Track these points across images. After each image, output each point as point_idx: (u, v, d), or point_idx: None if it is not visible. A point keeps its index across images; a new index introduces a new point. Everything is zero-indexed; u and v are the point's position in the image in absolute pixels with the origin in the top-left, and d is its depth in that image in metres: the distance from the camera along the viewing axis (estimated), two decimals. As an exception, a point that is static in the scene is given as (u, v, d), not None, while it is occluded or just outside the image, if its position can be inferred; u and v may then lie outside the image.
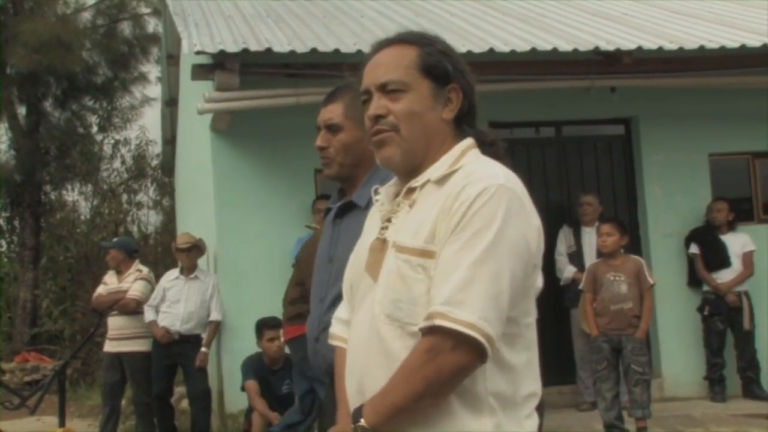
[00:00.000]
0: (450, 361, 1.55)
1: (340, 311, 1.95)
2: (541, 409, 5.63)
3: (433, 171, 1.74)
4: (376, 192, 1.89)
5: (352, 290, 1.86)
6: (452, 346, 1.55)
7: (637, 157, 7.60)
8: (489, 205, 1.61)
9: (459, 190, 1.65)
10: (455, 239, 1.61)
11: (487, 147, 1.83)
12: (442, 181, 1.72)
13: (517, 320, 1.66)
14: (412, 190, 1.76)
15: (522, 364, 1.68)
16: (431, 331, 1.57)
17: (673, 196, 7.43)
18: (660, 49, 6.54)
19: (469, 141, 1.80)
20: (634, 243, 7.47)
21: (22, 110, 13.64)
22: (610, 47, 6.55)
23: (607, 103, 6.94)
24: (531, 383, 1.71)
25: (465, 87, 1.80)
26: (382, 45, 1.84)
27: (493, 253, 1.59)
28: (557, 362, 7.23)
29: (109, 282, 7.18)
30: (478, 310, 1.55)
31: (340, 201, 2.53)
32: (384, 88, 1.77)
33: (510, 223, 1.62)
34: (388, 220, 1.78)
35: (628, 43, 6.65)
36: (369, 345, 1.71)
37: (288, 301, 4.60)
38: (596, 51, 6.53)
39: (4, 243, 15.62)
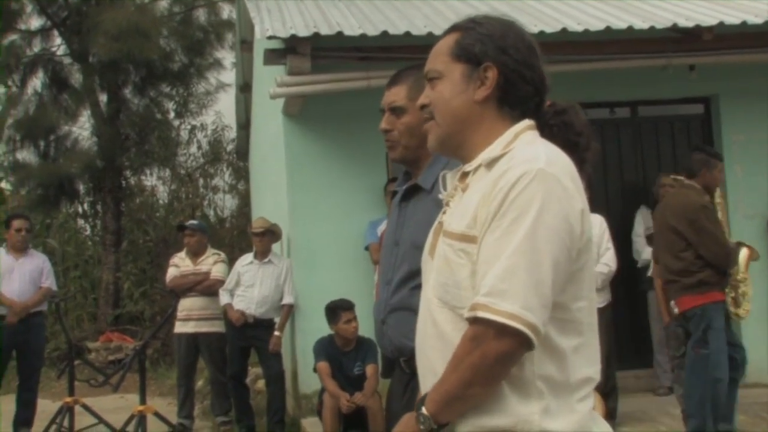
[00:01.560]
0: (494, 348, 1.56)
1: None
2: (615, 392, 5.54)
3: (485, 155, 1.73)
4: (444, 178, 1.90)
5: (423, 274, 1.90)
6: (495, 335, 1.56)
7: (717, 136, 7.35)
8: (527, 191, 1.59)
9: (499, 175, 1.64)
10: (496, 226, 1.60)
11: (548, 129, 1.81)
12: (491, 165, 1.70)
13: (566, 305, 1.65)
14: (465, 175, 1.78)
15: (572, 348, 1.66)
16: (476, 320, 1.59)
17: (756, 176, 7.17)
18: (743, 23, 6.29)
19: (524, 123, 1.77)
20: (714, 226, 7.25)
21: (103, 98, 14.03)
22: (689, 24, 6.33)
23: (686, 81, 6.72)
24: (584, 368, 1.69)
25: (505, 64, 1.75)
26: (441, 35, 1.88)
27: (533, 239, 1.57)
28: (633, 346, 7.11)
29: (182, 264, 7.35)
30: (520, 299, 1.55)
31: (406, 184, 2.53)
32: (427, 77, 1.83)
33: (549, 209, 1.59)
34: (447, 205, 1.81)
35: (709, 19, 6.42)
36: (425, 328, 1.76)
37: (675, 272, 5.03)
38: (674, 28, 6.33)
39: (87, 227, 16.20)
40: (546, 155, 1.65)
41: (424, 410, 1.64)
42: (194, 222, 8.06)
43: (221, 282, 7.08)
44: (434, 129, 1.82)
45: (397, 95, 2.46)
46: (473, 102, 1.76)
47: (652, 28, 6.25)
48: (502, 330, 1.55)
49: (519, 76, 1.76)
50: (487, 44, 1.76)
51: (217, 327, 7.15)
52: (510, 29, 1.82)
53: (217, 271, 7.19)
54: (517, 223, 1.57)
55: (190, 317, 7.20)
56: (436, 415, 1.63)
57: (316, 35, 5.98)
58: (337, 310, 5.88)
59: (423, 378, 1.78)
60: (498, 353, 1.56)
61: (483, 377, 1.58)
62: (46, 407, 7.53)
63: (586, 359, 1.70)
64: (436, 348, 1.70)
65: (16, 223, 7.22)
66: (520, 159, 1.64)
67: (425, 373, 1.76)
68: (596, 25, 6.25)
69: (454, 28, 1.85)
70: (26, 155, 13.79)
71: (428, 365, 1.74)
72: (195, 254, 7.35)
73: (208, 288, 7.13)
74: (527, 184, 1.59)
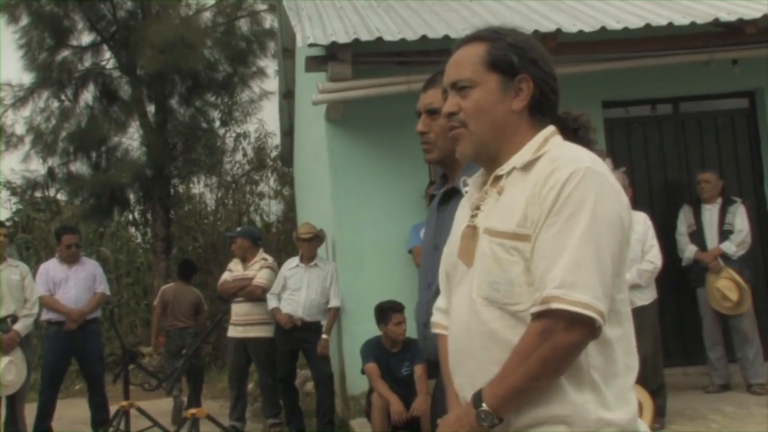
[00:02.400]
0: (564, 340, 1.62)
1: (439, 301, 2.04)
2: (663, 389, 5.47)
3: (518, 158, 1.81)
4: (465, 183, 1.97)
5: (448, 278, 1.95)
6: (565, 326, 1.62)
7: (764, 130, 7.26)
8: (580, 188, 1.67)
9: (547, 175, 1.71)
10: (551, 222, 1.67)
11: (570, 133, 1.89)
12: (527, 167, 1.78)
13: (612, 296, 1.71)
14: (498, 178, 1.83)
15: (616, 338, 1.73)
16: (543, 313, 1.63)
17: (804, 170, 7.08)
18: (788, 15, 6.22)
19: (551, 128, 1.86)
20: (762, 220, 7.17)
21: (151, 109, 14.33)
22: (732, 18, 6.28)
23: (729, 76, 6.66)
24: (626, 357, 1.77)
25: (538, 76, 1.84)
26: (458, 44, 1.93)
27: (593, 233, 1.64)
28: (681, 343, 7.05)
29: (234, 269, 7.50)
30: (590, 289, 1.62)
31: (443, 187, 2.56)
32: (455, 86, 1.86)
33: (602, 203, 1.67)
34: (477, 208, 1.86)
35: (752, 12, 6.35)
36: (469, 328, 1.78)
37: None
38: (716, 23, 6.28)
39: (138, 235, 16.57)
40: (588, 155, 1.74)
41: (485, 406, 1.68)
42: (239, 229, 8.20)
43: (262, 288, 7.18)
44: (467, 137, 1.85)
45: (433, 97, 2.47)
46: (510, 111, 1.83)
47: (693, 24, 6.20)
48: (572, 321, 1.61)
49: (548, 86, 1.86)
50: (521, 56, 1.83)
51: (264, 332, 7.24)
52: (533, 41, 1.91)
53: (260, 277, 7.27)
54: (575, 218, 1.65)
55: (238, 322, 7.35)
56: (499, 410, 1.67)
57: (356, 41, 6.06)
58: (388, 311, 5.93)
59: (466, 378, 1.80)
60: (568, 344, 1.63)
61: (552, 369, 1.64)
62: (102, 411, 7.73)
63: (627, 349, 1.77)
64: (484, 347, 1.74)
65: (66, 239, 7.45)
66: (565, 159, 1.72)
67: (470, 373, 1.79)
68: (636, 23, 6.23)
69: (477, 38, 1.89)
70: (79, 166, 14.17)
71: (474, 365, 1.77)
72: (243, 259, 7.50)
73: (249, 294, 7.23)
74: (579, 181, 1.67)
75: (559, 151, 1.77)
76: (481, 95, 1.83)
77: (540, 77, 1.85)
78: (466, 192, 1.96)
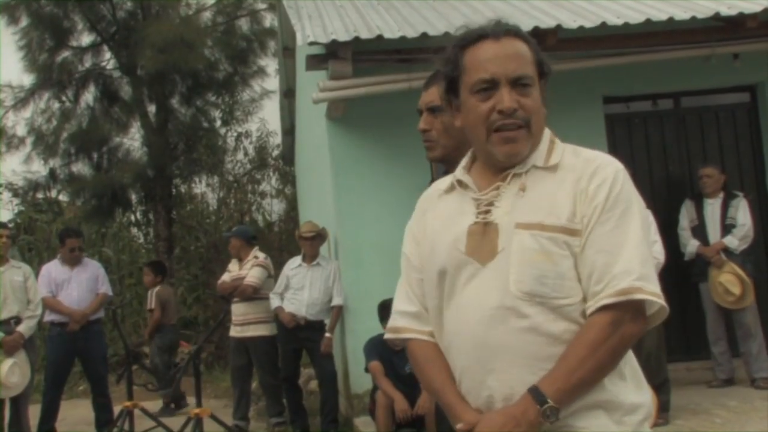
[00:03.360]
0: (631, 330, 1.69)
1: (403, 305, 1.98)
2: (667, 385, 5.47)
3: (535, 158, 1.82)
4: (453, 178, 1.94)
5: (445, 277, 1.84)
6: (632, 317, 1.68)
7: (765, 124, 7.25)
8: (626, 187, 1.75)
9: (591, 173, 1.75)
10: (606, 219, 1.72)
11: None
12: (553, 167, 1.80)
13: None
14: (517, 176, 1.81)
15: None
16: (611, 306, 1.67)
17: (806, 164, 7.07)
18: (788, 8, 6.21)
19: (549, 131, 1.89)
20: (764, 214, 7.16)
21: (152, 109, 14.32)
22: (732, 12, 6.26)
23: (730, 70, 6.65)
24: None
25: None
26: (497, 33, 1.82)
27: (644, 229, 1.73)
28: (684, 338, 7.05)
29: (232, 269, 7.50)
30: (656, 282, 1.71)
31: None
32: (518, 81, 1.78)
33: (641, 202, 1.77)
34: (490, 204, 1.81)
35: (752, 6, 6.34)
36: (503, 324, 1.72)
37: None
38: (716, 17, 6.27)
39: (140, 235, 16.57)
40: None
41: (551, 402, 1.65)
42: (234, 229, 8.22)
43: (252, 287, 7.15)
44: (527, 139, 1.80)
45: (434, 95, 2.44)
46: (545, 114, 1.87)
47: (693, 19, 6.19)
48: (637, 312, 1.69)
49: None
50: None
51: (263, 330, 7.22)
52: None
53: (251, 275, 7.22)
54: (628, 215, 1.72)
55: (237, 322, 7.35)
56: (562, 404, 1.67)
57: (357, 39, 6.06)
58: (391, 309, 5.90)
59: (495, 375, 1.74)
60: (634, 334, 1.70)
61: (616, 360, 1.71)
62: (106, 411, 7.74)
63: None
64: (527, 342, 1.70)
65: (70, 242, 7.45)
66: (603, 159, 1.79)
67: (502, 369, 1.73)
68: (636, 18, 6.22)
69: (516, 34, 1.83)
70: (81, 167, 14.16)
71: (509, 360, 1.72)
72: (239, 259, 7.49)
73: (241, 293, 7.20)
74: (623, 180, 1.74)
75: (589, 152, 1.83)
76: (538, 96, 1.82)
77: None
78: (432, 191, 2.00)
